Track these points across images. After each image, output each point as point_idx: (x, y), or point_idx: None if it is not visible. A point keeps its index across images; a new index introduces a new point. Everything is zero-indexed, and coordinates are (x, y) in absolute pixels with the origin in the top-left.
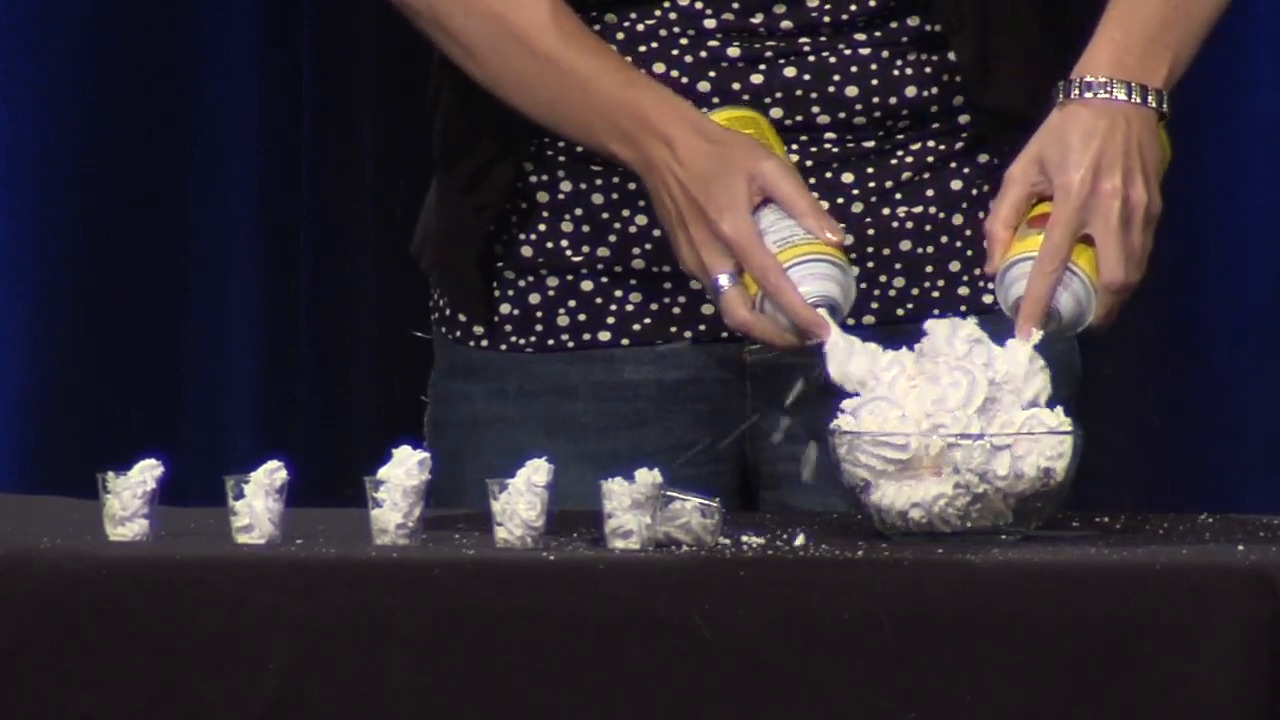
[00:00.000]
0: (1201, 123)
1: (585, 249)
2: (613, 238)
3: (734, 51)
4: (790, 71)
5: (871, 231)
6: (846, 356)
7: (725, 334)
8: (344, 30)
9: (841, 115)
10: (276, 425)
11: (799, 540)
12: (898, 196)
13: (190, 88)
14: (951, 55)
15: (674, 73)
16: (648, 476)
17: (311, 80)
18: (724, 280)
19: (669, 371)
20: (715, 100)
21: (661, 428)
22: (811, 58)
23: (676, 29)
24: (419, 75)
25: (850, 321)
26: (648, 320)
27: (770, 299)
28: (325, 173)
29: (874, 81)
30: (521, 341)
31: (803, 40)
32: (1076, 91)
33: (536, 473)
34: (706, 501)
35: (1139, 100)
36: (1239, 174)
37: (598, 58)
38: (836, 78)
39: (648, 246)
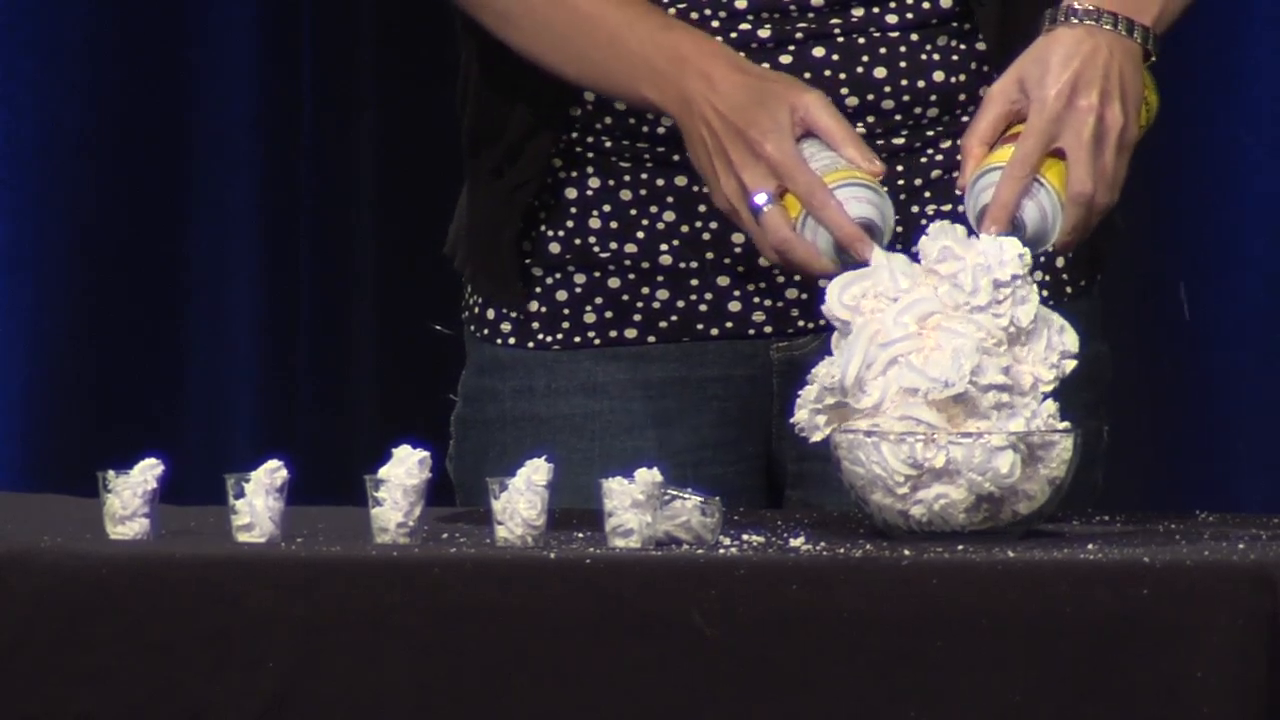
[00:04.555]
0: (1201, 121)
1: (613, 246)
2: (641, 234)
3: (764, 33)
4: (819, 51)
5: (901, 229)
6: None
7: (752, 331)
8: (344, 29)
9: (870, 98)
10: (276, 424)
11: (799, 539)
12: (927, 195)
13: (190, 87)
14: (980, 45)
15: None
16: (648, 475)
17: (311, 80)
18: (763, 199)
19: (696, 369)
20: None
21: (688, 426)
22: (841, 39)
23: (708, 11)
24: (419, 74)
25: None
26: (675, 318)
27: (815, 216)
28: (325, 173)
29: (902, 64)
30: (549, 339)
31: (834, 21)
32: (1063, 17)
33: (536, 472)
34: (706, 500)
35: (1125, 32)
36: (1239, 173)
37: (631, 5)
38: (865, 58)
39: (675, 243)
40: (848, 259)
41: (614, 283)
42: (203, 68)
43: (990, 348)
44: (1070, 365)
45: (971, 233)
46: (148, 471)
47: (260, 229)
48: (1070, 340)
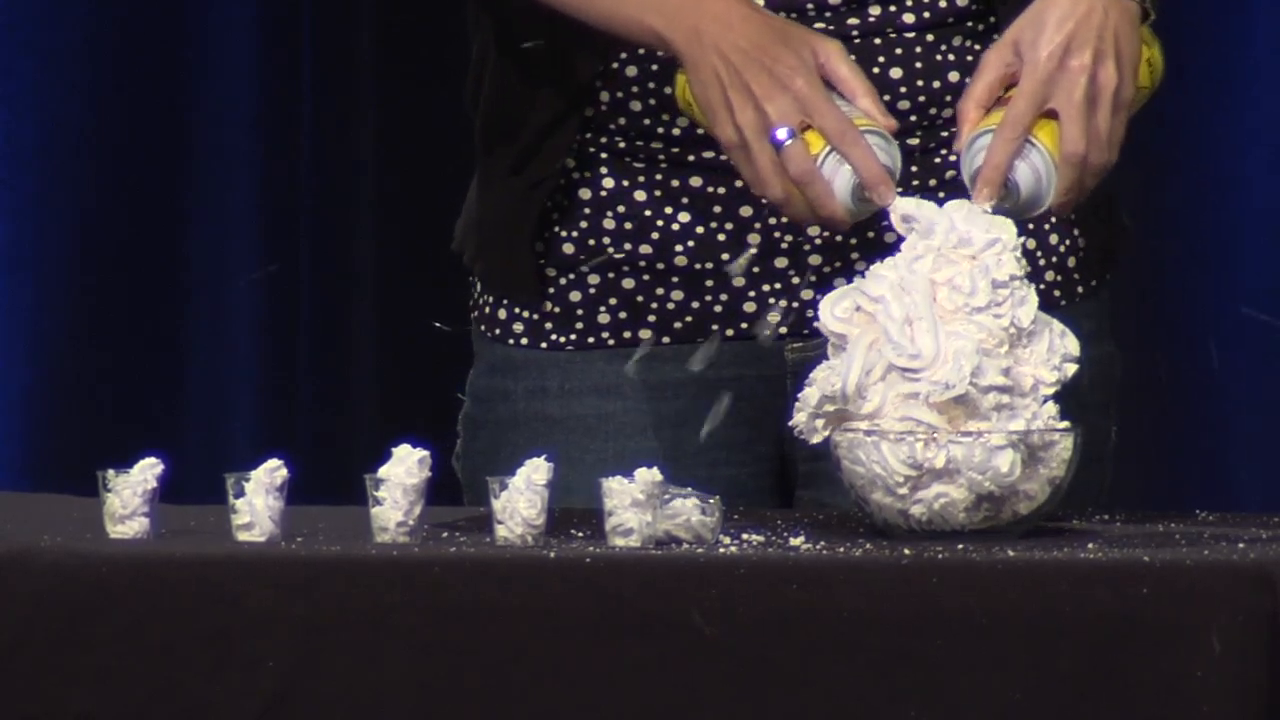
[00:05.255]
0: (1201, 120)
1: (627, 246)
2: (655, 235)
3: None
4: None
5: None
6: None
7: (766, 332)
8: (344, 29)
9: (886, 99)
10: (276, 424)
11: (799, 539)
12: (942, 195)
13: (190, 87)
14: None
15: None
16: (648, 474)
17: (311, 80)
18: (785, 133)
19: (710, 370)
20: None
21: (701, 427)
22: (858, 40)
23: None
24: (419, 74)
25: None
26: (689, 318)
27: (845, 153)
28: (325, 171)
29: (918, 64)
30: (562, 339)
31: (851, 21)
32: None
33: (536, 471)
34: (706, 499)
35: None
36: (1240, 172)
37: None
38: (881, 59)
39: (690, 244)
40: (862, 206)
41: (628, 283)
42: (203, 68)
43: (991, 348)
44: (1072, 369)
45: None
46: (148, 471)
47: (260, 229)
48: (1072, 345)
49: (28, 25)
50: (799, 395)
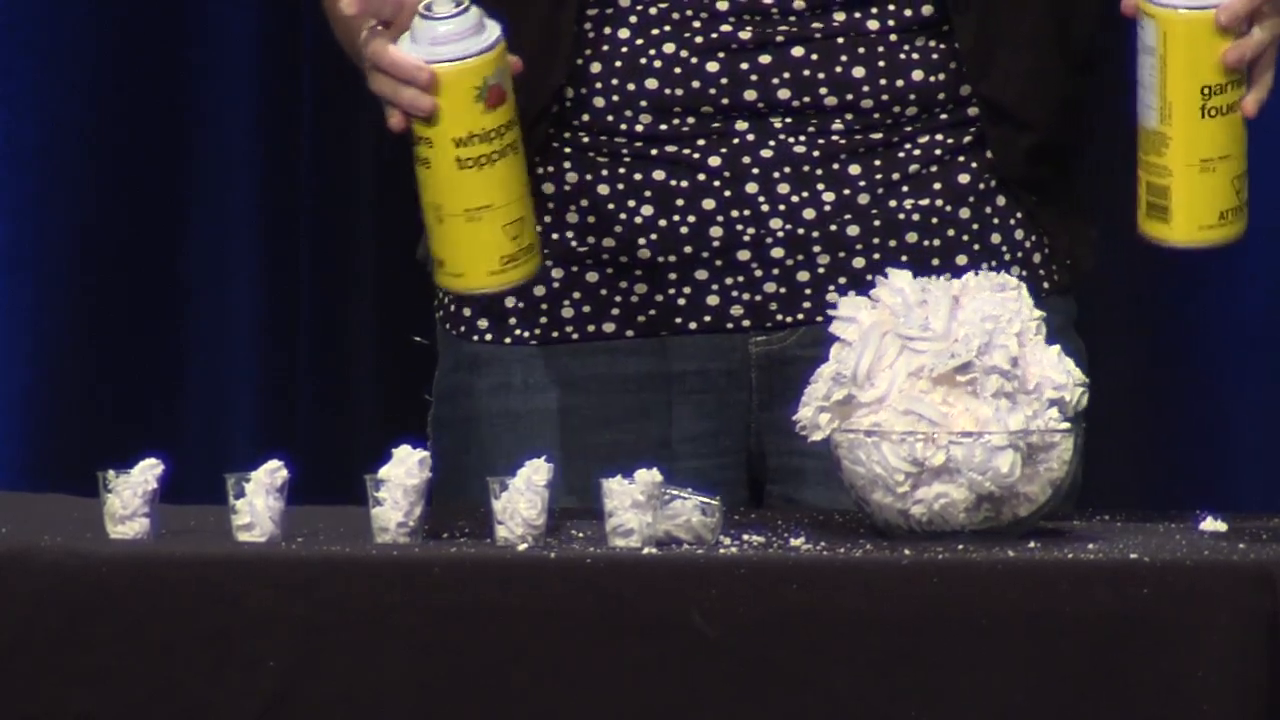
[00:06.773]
0: None
1: (590, 240)
2: (618, 229)
3: (745, 35)
4: (798, 51)
5: (878, 223)
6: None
7: (730, 325)
8: None
9: (849, 97)
10: (276, 424)
11: (799, 539)
12: (905, 189)
13: (190, 87)
14: (959, 44)
15: (683, 53)
16: (648, 475)
17: (311, 80)
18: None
19: (674, 363)
20: (724, 81)
21: (666, 420)
22: (822, 40)
23: (690, 12)
24: None
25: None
26: (652, 312)
27: (382, 78)
28: (325, 173)
29: (881, 64)
30: (526, 334)
31: (815, 25)
32: None
33: (537, 472)
34: (707, 499)
35: None
36: None
37: None
38: (844, 58)
39: (653, 237)
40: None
41: (592, 277)
42: (203, 68)
43: (1002, 325)
44: (1079, 393)
45: None
46: (148, 471)
47: (260, 229)
48: (1080, 373)
49: (28, 25)
50: (806, 389)
